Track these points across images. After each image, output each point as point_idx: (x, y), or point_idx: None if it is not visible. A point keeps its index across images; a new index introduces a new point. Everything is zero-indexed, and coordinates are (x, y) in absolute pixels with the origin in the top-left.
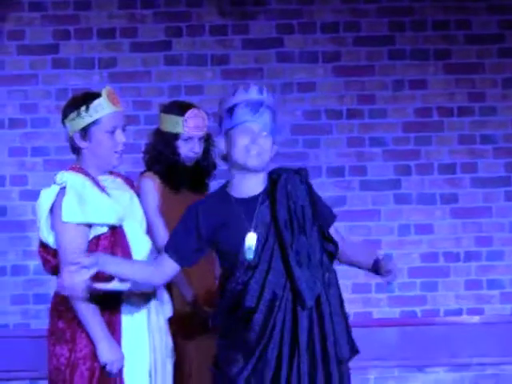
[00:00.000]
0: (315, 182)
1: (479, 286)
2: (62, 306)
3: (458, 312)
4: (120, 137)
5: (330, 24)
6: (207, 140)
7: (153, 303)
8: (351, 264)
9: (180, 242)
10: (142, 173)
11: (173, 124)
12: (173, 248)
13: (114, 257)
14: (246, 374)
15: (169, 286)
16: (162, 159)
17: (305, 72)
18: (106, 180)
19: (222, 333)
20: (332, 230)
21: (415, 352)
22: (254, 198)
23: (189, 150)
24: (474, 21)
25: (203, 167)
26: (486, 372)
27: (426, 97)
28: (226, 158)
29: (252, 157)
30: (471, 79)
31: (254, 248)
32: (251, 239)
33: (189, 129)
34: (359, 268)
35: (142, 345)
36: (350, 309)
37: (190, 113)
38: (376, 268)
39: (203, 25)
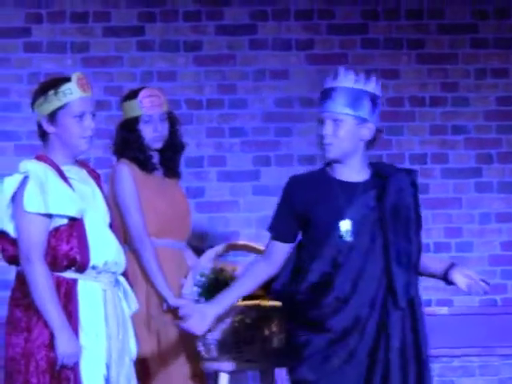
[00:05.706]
0: (286, 170)
1: None
2: (18, 293)
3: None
4: (88, 122)
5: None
6: (171, 119)
7: (109, 292)
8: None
9: (280, 222)
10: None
11: (131, 109)
12: (275, 229)
13: (222, 294)
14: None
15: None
16: (130, 146)
17: (277, 59)
18: (70, 171)
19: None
20: None
21: None
22: (355, 185)
23: (152, 131)
24: (447, 11)
25: (171, 148)
26: (453, 364)
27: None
28: None
29: (324, 148)
30: (444, 69)
31: (350, 231)
32: (346, 224)
33: (146, 108)
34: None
35: (100, 335)
36: None
37: (143, 93)
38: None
39: (177, 10)
